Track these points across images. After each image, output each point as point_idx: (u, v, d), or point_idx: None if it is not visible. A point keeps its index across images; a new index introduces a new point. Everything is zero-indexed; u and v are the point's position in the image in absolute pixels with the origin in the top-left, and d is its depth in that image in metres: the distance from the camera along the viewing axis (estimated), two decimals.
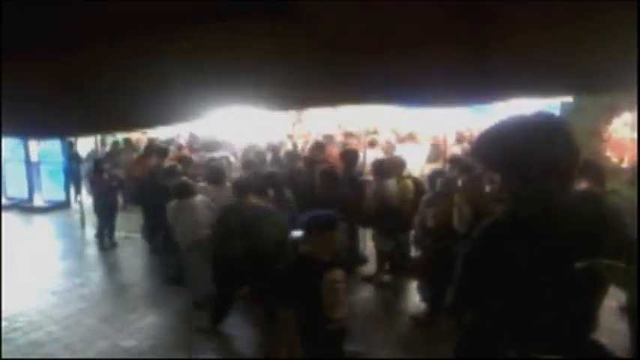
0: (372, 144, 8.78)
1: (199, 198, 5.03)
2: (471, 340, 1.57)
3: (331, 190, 5.30)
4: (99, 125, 2.06)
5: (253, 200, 4.40)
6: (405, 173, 5.69)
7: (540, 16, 1.16)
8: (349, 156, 6.04)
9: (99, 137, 10.30)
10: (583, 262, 1.26)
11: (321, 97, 1.72)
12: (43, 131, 2.35)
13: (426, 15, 1.16)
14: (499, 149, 1.50)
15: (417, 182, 5.62)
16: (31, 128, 1.95)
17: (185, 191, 5.02)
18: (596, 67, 1.37)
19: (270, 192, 4.94)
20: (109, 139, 10.84)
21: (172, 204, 5.05)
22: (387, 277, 5.71)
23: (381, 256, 5.68)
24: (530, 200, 1.45)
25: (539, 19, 1.17)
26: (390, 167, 5.61)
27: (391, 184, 5.39)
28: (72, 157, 9.94)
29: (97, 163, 7.49)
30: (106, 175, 7.26)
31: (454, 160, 5.90)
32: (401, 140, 9.57)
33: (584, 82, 1.42)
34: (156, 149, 7.54)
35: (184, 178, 5.37)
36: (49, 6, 1.15)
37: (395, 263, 5.64)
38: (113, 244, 7.43)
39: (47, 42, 1.28)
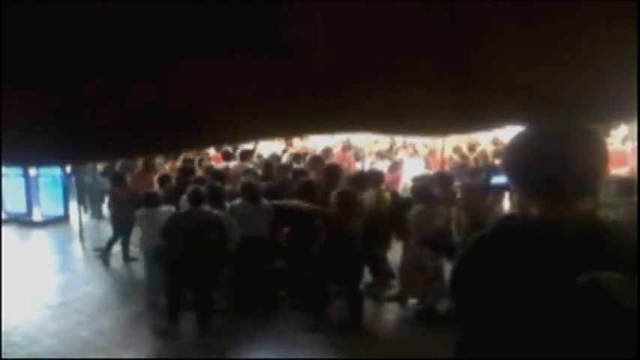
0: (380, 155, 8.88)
1: (164, 208, 5.41)
2: (471, 342, 1.55)
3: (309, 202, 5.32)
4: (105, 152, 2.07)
5: (205, 208, 4.82)
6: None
7: (526, 48, 1.15)
8: (331, 171, 6.09)
9: None
10: (585, 275, 1.26)
11: (309, 126, 1.74)
12: (43, 159, 2.36)
13: (408, 51, 1.17)
14: (524, 166, 1.44)
15: (395, 195, 5.66)
16: (30, 156, 1.95)
17: (152, 200, 5.47)
18: (588, 96, 1.35)
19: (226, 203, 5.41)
20: None
21: (140, 211, 5.52)
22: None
23: None
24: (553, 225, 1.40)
25: (524, 50, 1.16)
26: (367, 179, 5.64)
27: (367, 196, 5.40)
28: (77, 169, 9.95)
29: (117, 175, 7.39)
30: (126, 187, 7.09)
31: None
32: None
33: (576, 112, 1.40)
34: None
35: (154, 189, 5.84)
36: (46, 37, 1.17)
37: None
38: (129, 259, 7.18)
39: (47, 73, 1.29)
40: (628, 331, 1.31)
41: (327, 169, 6.11)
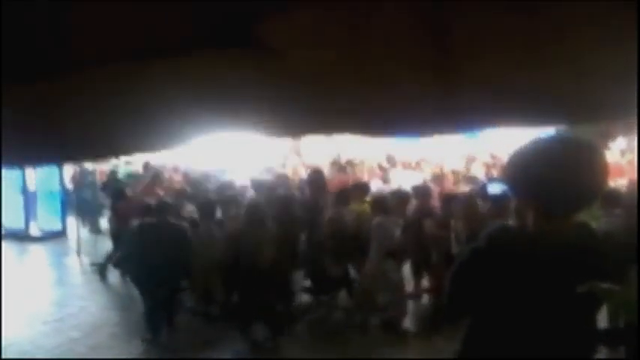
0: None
1: None
2: (470, 345, 1.55)
3: (285, 214, 5.37)
4: (83, 152, 2.07)
5: (171, 220, 5.03)
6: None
7: (517, 39, 1.14)
8: (314, 181, 6.13)
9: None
10: (583, 285, 1.25)
11: (291, 127, 1.74)
12: (38, 158, 2.36)
13: (394, 45, 1.17)
14: (526, 180, 1.44)
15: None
16: (27, 156, 1.95)
17: (147, 213, 5.49)
18: (582, 94, 1.33)
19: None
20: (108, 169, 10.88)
21: (134, 226, 5.57)
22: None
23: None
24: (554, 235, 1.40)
25: (514, 43, 1.15)
26: (351, 193, 5.65)
27: (350, 209, 5.41)
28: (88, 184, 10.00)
29: (119, 191, 7.37)
30: (129, 201, 7.00)
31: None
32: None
33: (567, 111, 1.39)
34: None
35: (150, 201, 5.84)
36: (31, 36, 1.17)
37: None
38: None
39: (38, 71, 1.30)
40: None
41: (311, 182, 6.18)
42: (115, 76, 1.29)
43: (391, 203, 5.23)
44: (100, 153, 2.74)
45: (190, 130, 1.81)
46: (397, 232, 4.87)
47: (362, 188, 5.98)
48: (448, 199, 5.50)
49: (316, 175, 6.54)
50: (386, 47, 1.19)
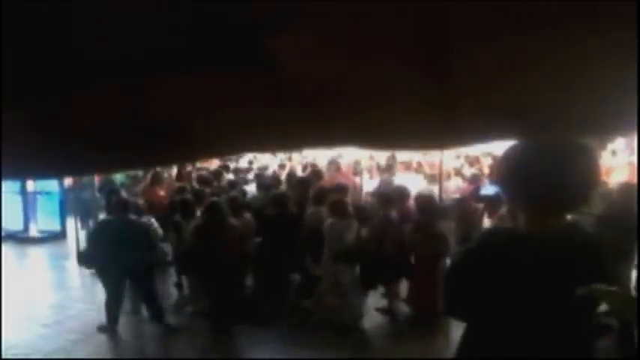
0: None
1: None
2: (467, 343, 1.56)
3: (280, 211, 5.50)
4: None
5: (131, 216, 5.22)
6: None
7: (518, 58, 1.14)
8: (302, 184, 6.32)
9: None
10: (583, 288, 1.26)
11: (297, 140, 1.75)
12: (42, 171, 2.36)
13: (393, 67, 1.17)
14: (517, 179, 1.45)
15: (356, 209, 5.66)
16: (29, 168, 1.95)
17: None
18: (585, 111, 1.34)
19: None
20: None
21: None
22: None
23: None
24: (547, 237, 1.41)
25: (517, 62, 1.15)
26: (326, 194, 5.68)
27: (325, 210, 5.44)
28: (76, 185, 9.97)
29: (113, 192, 7.35)
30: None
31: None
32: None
33: (565, 125, 1.39)
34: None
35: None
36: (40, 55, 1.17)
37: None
38: None
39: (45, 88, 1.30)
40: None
41: (299, 183, 6.36)
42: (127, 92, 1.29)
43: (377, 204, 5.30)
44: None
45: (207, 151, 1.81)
46: (349, 235, 4.90)
47: (340, 189, 6.00)
48: (425, 200, 5.42)
49: (308, 176, 6.66)
50: (387, 63, 1.20)
